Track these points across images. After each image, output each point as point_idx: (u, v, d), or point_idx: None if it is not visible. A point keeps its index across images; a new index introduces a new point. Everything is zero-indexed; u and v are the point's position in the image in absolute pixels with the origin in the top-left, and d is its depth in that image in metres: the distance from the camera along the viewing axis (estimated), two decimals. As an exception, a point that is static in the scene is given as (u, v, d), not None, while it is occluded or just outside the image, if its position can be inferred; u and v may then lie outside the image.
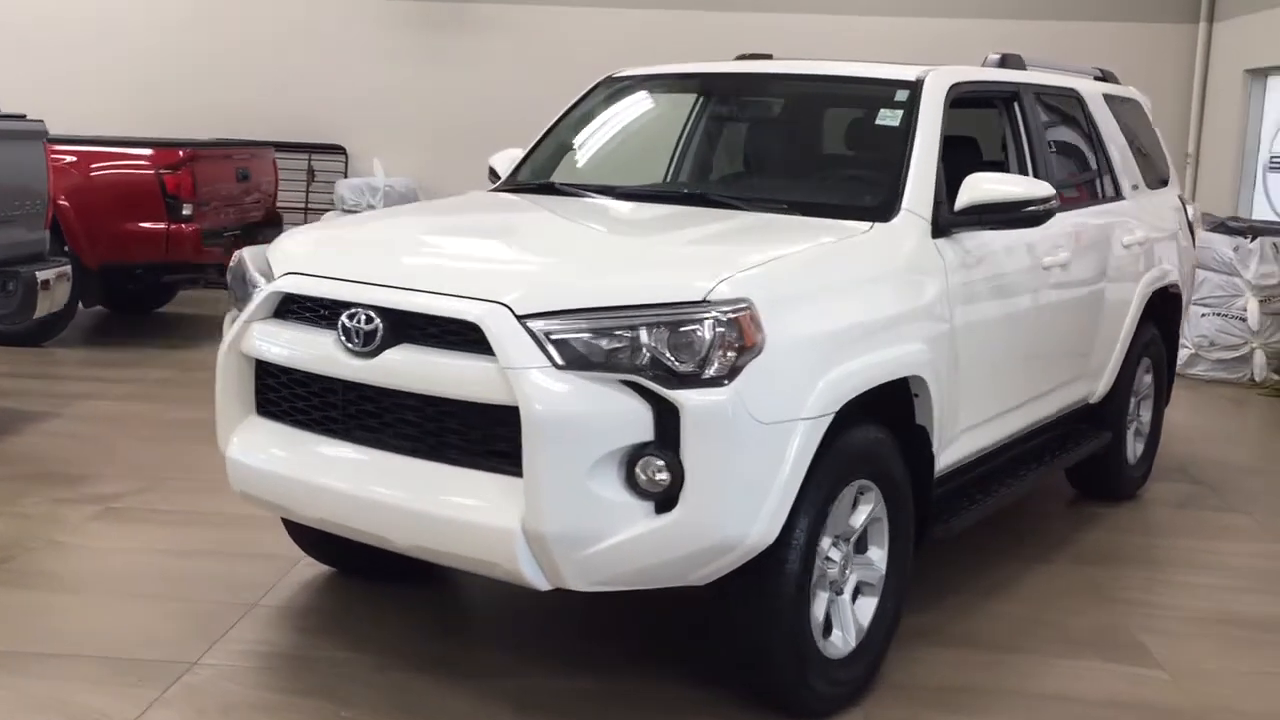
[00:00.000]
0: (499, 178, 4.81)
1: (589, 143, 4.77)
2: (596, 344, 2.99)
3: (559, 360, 2.98)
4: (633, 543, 2.99)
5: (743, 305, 3.01)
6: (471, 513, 3.06)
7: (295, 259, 3.54)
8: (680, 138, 4.85)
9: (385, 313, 3.19)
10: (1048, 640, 3.99)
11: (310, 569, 4.36)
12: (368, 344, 3.20)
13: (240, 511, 4.61)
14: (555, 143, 4.81)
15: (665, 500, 2.99)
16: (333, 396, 3.35)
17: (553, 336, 3.00)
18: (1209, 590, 4.56)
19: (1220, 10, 11.13)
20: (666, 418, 2.96)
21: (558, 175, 4.63)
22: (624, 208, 4.21)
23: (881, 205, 3.85)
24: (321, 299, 3.35)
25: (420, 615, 4.02)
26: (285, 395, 3.49)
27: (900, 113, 4.09)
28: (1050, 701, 3.61)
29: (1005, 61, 4.85)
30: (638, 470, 2.98)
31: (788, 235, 3.61)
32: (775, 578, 3.15)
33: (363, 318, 3.21)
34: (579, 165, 4.74)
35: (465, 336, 3.09)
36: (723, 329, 2.96)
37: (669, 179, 4.78)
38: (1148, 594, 4.50)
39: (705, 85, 4.91)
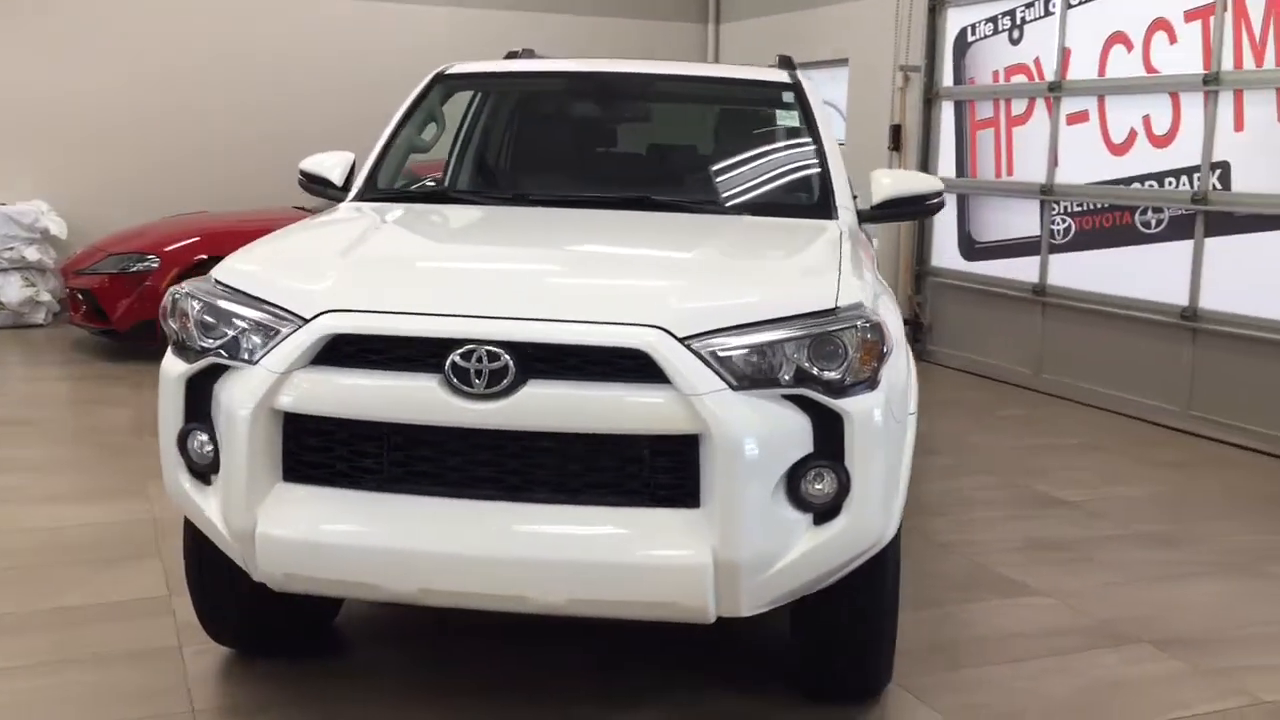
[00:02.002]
0: (332, 185, 4.34)
1: (455, 147, 4.44)
2: (757, 360, 2.92)
3: (733, 381, 2.87)
4: (803, 558, 2.97)
5: (872, 311, 3.09)
6: (653, 553, 2.86)
7: (336, 294, 3.02)
8: (552, 139, 4.66)
9: (515, 348, 2.86)
10: (948, 590, 4.46)
11: (204, 657, 3.72)
12: (494, 385, 2.84)
13: (69, 603, 4.02)
14: (406, 147, 4.42)
15: (828, 511, 3.00)
16: (426, 449, 2.93)
17: (719, 357, 2.88)
18: (1004, 522, 5.31)
19: (725, 13, 12.40)
20: (827, 428, 2.97)
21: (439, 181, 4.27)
22: (600, 217, 3.98)
23: (819, 204, 4.05)
24: (411, 338, 2.90)
25: (394, 683, 3.62)
26: (342, 454, 2.98)
27: (795, 112, 4.30)
28: (1012, 640, 4.07)
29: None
30: (803, 483, 2.96)
31: (804, 235, 3.69)
32: (891, 564, 3.26)
33: (486, 355, 2.84)
34: (459, 171, 4.40)
35: (617, 366, 2.86)
36: (868, 335, 3.02)
37: (582, 183, 4.56)
38: (964, 534, 5.14)
39: (574, 86, 4.75)
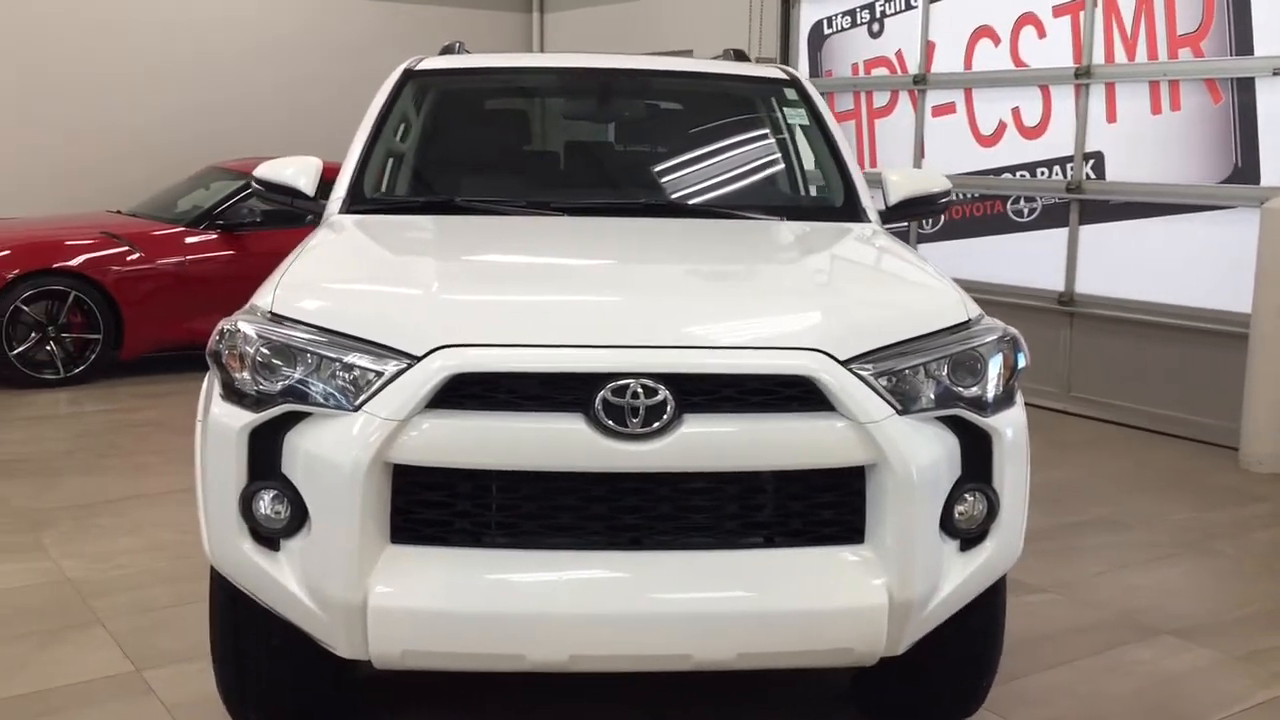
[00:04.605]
0: (301, 194, 3.88)
1: (440, 150, 4.04)
2: (916, 382, 2.74)
3: (897, 405, 2.68)
4: (956, 590, 2.81)
5: (1000, 322, 2.97)
6: (830, 598, 2.62)
7: (448, 326, 2.63)
8: (553, 141, 4.30)
9: (673, 380, 2.56)
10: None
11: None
12: (651, 422, 2.54)
13: (19, 690, 3.47)
14: (385, 151, 3.99)
15: (976, 537, 2.85)
16: (567, 498, 2.59)
17: (882, 380, 2.68)
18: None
19: (550, 2, 12.11)
20: (974, 449, 2.82)
21: (436, 190, 3.86)
22: (651, 227, 3.68)
23: (847, 206, 3.90)
24: (553, 374, 2.56)
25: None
26: (464, 510, 2.61)
27: (802, 110, 4.13)
28: (1046, 642, 4.04)
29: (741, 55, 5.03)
30: (957, 509, 2.80)
31: (870, 242, 3.52)
32: (1003, 581, 3.14)
33: (642, 390, 2.54)
34: (454, 177, 3.99)
35: (777, 395, 2.62)
36: (1006, 349, 2.89)
37: (602, 189, 4.19)
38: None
39: (567, 83, 4.39)
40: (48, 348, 7.67)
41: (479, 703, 3.46)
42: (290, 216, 7.83)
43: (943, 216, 8.23)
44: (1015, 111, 7.73)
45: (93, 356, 7.75)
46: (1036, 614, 4.27)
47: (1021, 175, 7.70)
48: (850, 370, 2.64)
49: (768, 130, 4.37)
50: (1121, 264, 7.17)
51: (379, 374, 2.58)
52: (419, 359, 2.57)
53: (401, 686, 3.47)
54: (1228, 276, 6.57)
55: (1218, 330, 6.65)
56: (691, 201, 3.84)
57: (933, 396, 2.74)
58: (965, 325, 2.89)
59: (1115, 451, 6.71)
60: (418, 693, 3.47)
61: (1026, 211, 7.72)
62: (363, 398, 2.58)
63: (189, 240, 8.17)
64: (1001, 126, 7.83)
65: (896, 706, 3.33)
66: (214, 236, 8.20)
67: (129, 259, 7.89)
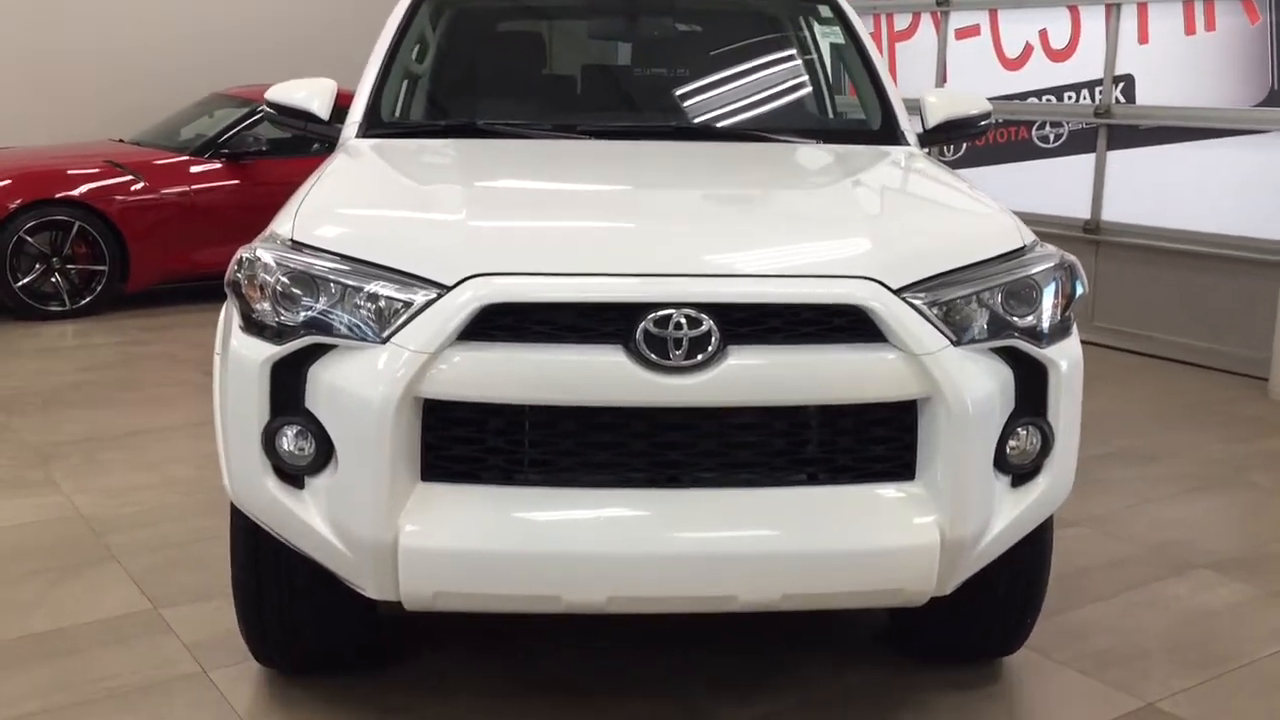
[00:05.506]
0: (315, 118, 3.73)
1: (459, 72, 3.89)
2: (970, 311, 2.61)
3: (952, 336, 2.55)
4: (1008, 528, 2.71)
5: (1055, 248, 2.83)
6: (880, 537, 2.52)
7: (481, 253, 2.50)
8: (577, 62, 4.13)
9: (718, 310, 2.43)
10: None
11: (242, 683, 3.15)
12: (695, 354, 2.41)
13: (38, 629, 3.36)
14: (401, 73, 3.83)
15: (1029, 472, 2.74)
16: (605, 434, 2.48)
17: (935, 310, 2.55)
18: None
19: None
20: (1029, 381, 2.70)
21: (456, 114, 3.71)
22: (687, 150, 3.53)
23: (885, 128, 3.75)
24: (593, 304, 2.43)
25: (476, 686, 3.17)
26: (497, 446, 2.49)
27: (837, 27, 3.96)
28: (1084, 577, 3.95)
29: None
30: (1010, 445, 2.68)
31: (914, 165, 3.37)
32: (1050, 519, 3.04)
33: (685, 321, 2.41)
34: (473, 100, 3.83)
35: (826, 326, 2.49)
36: (1063, 276, 2.75)
37: (631, 111, 4.02)
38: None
39: (588, 1, 4.21)
40: (53, 279, 7.54)
41: (506, 643, 3.37)
42: (296, 144, 7.73)
43: (964, 144, 8.04)
44: (1042, 33, 7.50)
45: (99, 288, 7.62)
46: (1069, 549, 4.17)
47: (1048, 100, 7.50)
48: (903, 299, 2.51)
49: (797, 50, 4.19)
50: (1150, 191, 7.00)
51: (407, 304, 2.46)
52: (449, 289, 2.44)
53: (427, 629, 3.39)
54: (1260, 203, 6.41)
55: (1249, 258, 6.50)
56: (721, 124, 3.68)
57: (986, 327, 2.62)
58: (1020, 252, 2.76)
59: (1141, 382, 6.59)
60: (444, 635, 3.38)
61: (1052, 137, 7.53)
62: (390, 329, 2.45)
63: (194, 169, 8.01)
64: (1028, 49, 7.61)
65: (937, 646, 3.24)
66: (219, 165, 8.04)
67: (133, 188, 7.73)
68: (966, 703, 3.15)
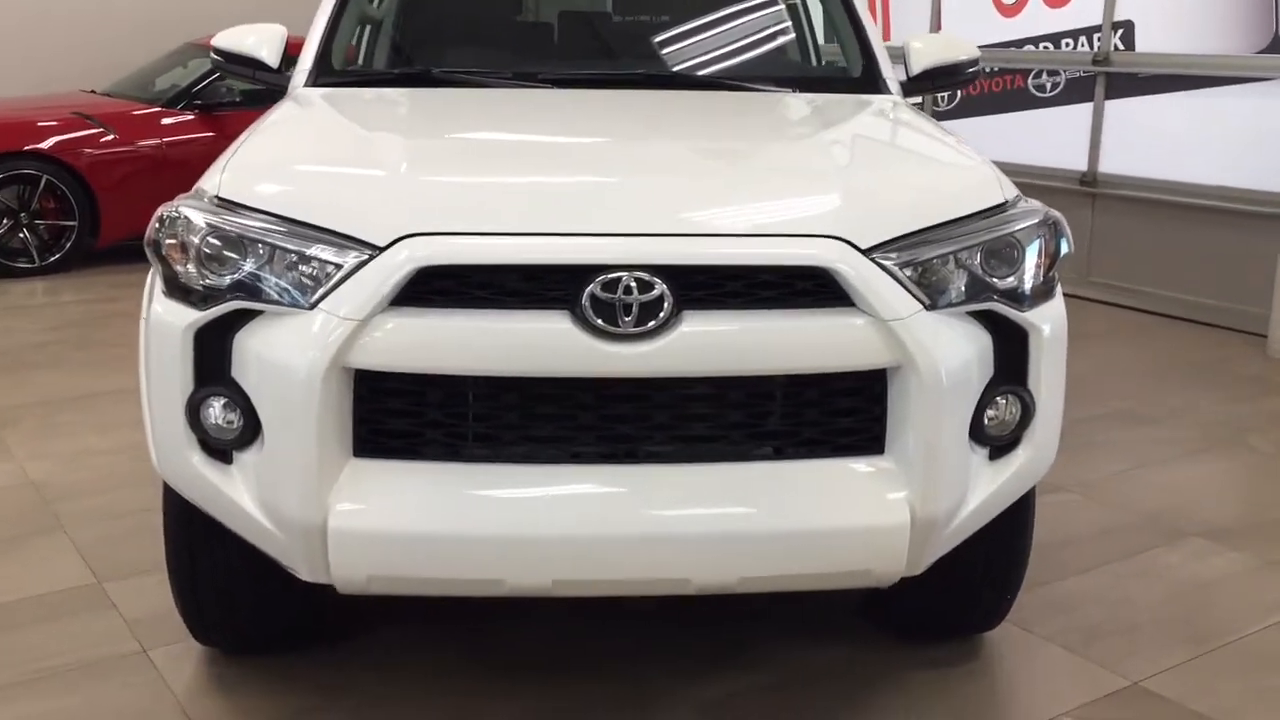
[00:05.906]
0: (264, 66, 3.53)
1: (425, 18, 3.67)
2: (946, 273, 2.43)
3: (924, 299, 2.37)
4: (984, 504, 2.54)
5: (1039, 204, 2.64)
6: (846, 516, 2.35)
7: (416, 211, 2.31)
8: (537, 7, 3.91)
9: (671, 273, 2.25)
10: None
11: (183, 662, 3.00)
12: (646, 320, 2.24)
13: None
14: (357, 17, 3.62)
15: (1008, 444, 2.57)
16: (549, 406, 2.30)
17: (907, 272, 2.37)
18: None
19: None
20: (1008, 347, 2.53)
21: (420, 62, 3.50)
22: (652, 100, 3.33)
23: (866, 76, 3.54)
24: (535, 265, 2.25)
25: (424, 666, 3.02)
26: (435, 420, 2.32)
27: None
28: (1072, 546, 3.79)
29: None
30: (987, 415, 2.51)
31: (894, 116, 3.18)
32: (1032, 490, 2.87)
33: (635, 285, 2.23)
34: (441, 48, 3.62)
35: (788, 290, 2.31)
36: (1047, 234, 2.57)
37: (592, 59, 3.81)
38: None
39: None
40: (21, 235, 7.34)
41: (457, 620, 3.22)
42: (274, 95, 7.51)
43: (958, 92, 7.81)
44: (1040, -22, 7.25)
45: (68, 244, 7.43)
46: (1056, 516, 4.01)
47: (1044, 47, 7.26)
48: (872, 260, 2.33)
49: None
50: (1149, 141, 6.78)
51: (337, 267, 2.28)
52: (382, 249, 2.26)
53: (374, 605, 3.23)
54: (1262, 154, 6.20)
55: (1249, 211, 6.29)
56: (694, 73, 3.47)
57: (964, 289, 2.44)
58: (1001, 208, 2.57)
59: (1135, 339, 6.41)
60: (391, 612, 3.23)
61: (1049, 86, 7.30)
62: (319, 294, 2.27)
63: (166, 121, 7.78)
64: (1024, -5, 7.36)
65: (913, 622, 3.09)
66: (192, 117, 7.82)
67: (103, 141, 7.51)
68: (944, 681, 3.00)
